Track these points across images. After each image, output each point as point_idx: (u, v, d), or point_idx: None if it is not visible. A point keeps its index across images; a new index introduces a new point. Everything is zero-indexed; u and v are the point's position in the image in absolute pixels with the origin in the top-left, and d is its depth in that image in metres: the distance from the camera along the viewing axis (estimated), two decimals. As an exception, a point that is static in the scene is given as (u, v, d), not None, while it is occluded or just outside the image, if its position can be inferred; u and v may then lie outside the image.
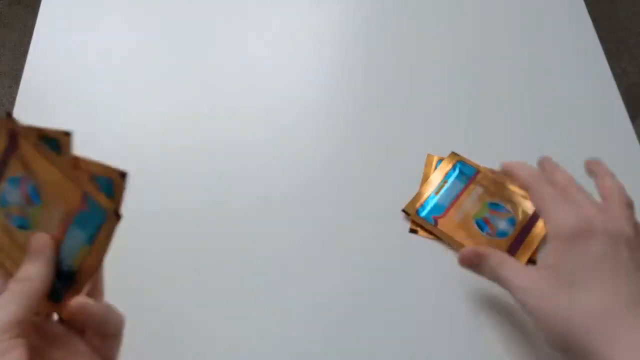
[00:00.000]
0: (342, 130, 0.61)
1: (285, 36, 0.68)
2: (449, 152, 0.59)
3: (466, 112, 0.63)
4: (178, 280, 0.51)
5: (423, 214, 0.55)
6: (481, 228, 0.54)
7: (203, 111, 0.61)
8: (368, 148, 0.60)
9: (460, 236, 0.54)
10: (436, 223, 0.54)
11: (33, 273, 0.34)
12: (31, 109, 0.60)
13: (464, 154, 0.60)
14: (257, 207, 0.55)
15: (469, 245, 0.51)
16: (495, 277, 0.46)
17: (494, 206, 0.55)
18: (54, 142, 0.37)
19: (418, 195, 0.56)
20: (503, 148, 0.61)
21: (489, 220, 0.54)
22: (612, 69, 0.67)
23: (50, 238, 0.35)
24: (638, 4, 1.93)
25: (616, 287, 0.40)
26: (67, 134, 0.36)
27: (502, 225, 0.54)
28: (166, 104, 0.61)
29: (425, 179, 0.58)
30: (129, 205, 0.55)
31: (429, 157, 0.59)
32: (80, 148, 0.58)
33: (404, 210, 0.55)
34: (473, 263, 0.47)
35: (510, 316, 0.50)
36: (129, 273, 0.51)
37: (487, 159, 0.59)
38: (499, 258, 0.46)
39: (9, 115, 0.37)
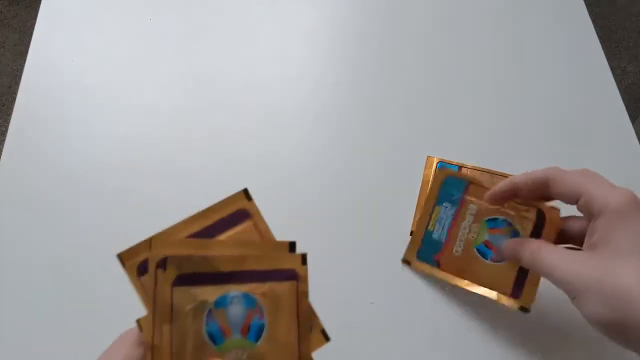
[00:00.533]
0: (342, 130, 0.61)
1: (285, 36, 0.68)
2: (449, 152, 0.59)
3: (465, 113, 0.63)
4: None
5: (422, 257, 0.52)
6: (484, 255, 0.49)
7: (202, 110, 0.61)
8: (367, 148, 0.60)
9: (464, 280, 0.50)
10: (438, 264, 0.51)
11: None
12: (31, 109, 0.60)
13: (463, 155, 0.59)
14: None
15: (474, 288, 0.49)
16: (536, 265, 0.42)
17: (492, 223, 0.50)
18: None
19: (414, 239, 0.53)
20: (503, 148, 0.61)
21: (490, 244, 0.50)
22: (612, 69, 0.67)
23: None
24: (637, 4, 1.93)
25: None
26: None
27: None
28: (166, 104, 0.61)
29: (424, 186, 0.56)
30: (128, 203, 0.55)
31: (429, 159, 0.58)
32: (81, 148, 0.59)
33: (404, 260, 0.53)
34: (515, 258, 0.45)
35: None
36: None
37: (487, 160, 0.59)
38: (535, 245, 0.43)
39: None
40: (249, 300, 0.34)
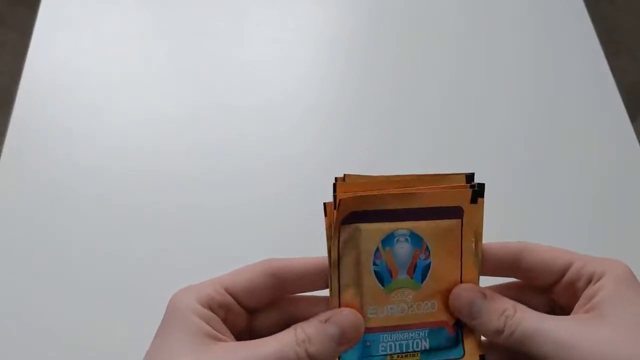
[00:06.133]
0: (343, 130, 0.61)
1: (285, 36, 0.68)
2: (459, 157, 0.59)
3: (465, 113, 0.63)
4: (178, 279, 0.51)
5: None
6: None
7: (202, 111, 0.61)
8: (369, 149, 0.60)
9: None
10: None
11: (317, 346, 0.29)
12: (31, 109, 0.60)
13: (463, 155, 0.59)
14: (256, 207, 0.55)
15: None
16: (524, 339, 0.30)
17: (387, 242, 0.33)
18: None
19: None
20: (502, 148, 0.61)
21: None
22: (612, 69, 0.67)
23: (362, 328, 0.31)
24: (638, 4, 1.93)
25: None
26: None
27: (404, 251, 0.33)
28: (166, 104, 0.61)
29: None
30: (129, 204, 0.55)
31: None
32: (80, 148, 0.59)
33: None
34: (470, 319, 0.32)
35: None
36: (128, 273, 0.51)
37: (487, 160, 0.59)
38: (513, 308, 0.31)
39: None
40: (415, 239, 0.32)
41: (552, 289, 0.33)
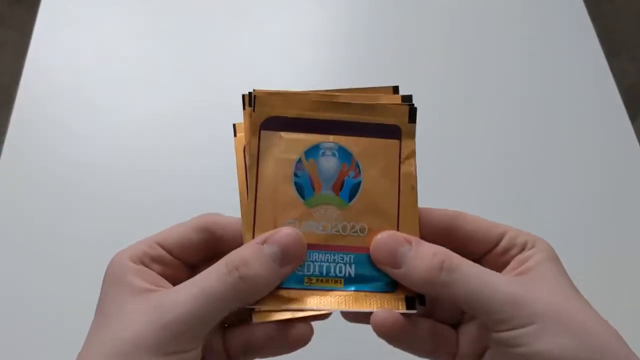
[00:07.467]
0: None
1: (285, 36, 0.68)
2: (458, 149, 0.59)
3: (465, 113, 0.63)
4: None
5: None
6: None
7: (202, 110, 0.61)
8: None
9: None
10: None
11: (256, 269, 0.28)
12: (31, 109, 0.60)
13: (463, 154, 0.59)
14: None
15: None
16: (454, 282, 0.28)
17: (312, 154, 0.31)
18: None
19: None
20: (502, 148, 0.61)
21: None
22: (612, 69, 0.67)
23: (305, 245, 0.29)
24: (638, 4, 1.92)
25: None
26: None
27: (330, 164, 0.30)
28: (166, 104, 0.61)
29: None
30: (129, 203, 0.55)
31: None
32: (80, 148, 0.59)
33: None
34: (394, 266, 0.30)
35: None
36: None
37: (487, 160, 0.59)
38: (442, 252, 0.29)
39: None
40: (343, 154, 0.30)
41: (483, 257, 0.32)
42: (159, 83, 0.63)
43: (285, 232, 0.29)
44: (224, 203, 0.56)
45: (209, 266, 0.29)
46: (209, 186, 0.56)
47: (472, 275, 0.28)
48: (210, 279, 0.28)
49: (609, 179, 0.60)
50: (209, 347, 0.30)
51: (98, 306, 0.30)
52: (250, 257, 0.28)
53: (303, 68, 0.65)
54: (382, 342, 0.29)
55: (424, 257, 0.28)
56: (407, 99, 0.31)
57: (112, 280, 0.29)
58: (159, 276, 0.30)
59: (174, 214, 0.56)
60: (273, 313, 0.29)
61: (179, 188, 0.56)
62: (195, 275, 0.29)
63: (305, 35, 0.68)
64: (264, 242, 0.28)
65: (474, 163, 0.59)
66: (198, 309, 0.27)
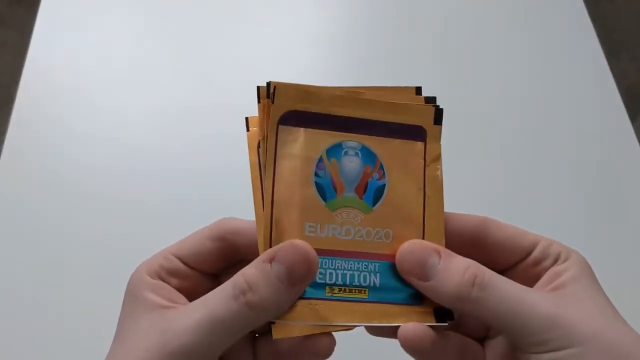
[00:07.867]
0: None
1: (285, 36, 0.68)
2: (453, 155, 0.59)
3: (465, 113, 0.63)
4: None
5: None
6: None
7: (202, 110, 0.61)
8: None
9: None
10: None
11: (262, 293, 0.25)
12: (31, 109, 0.60)
13: (463, 154, 0.59)
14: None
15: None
16: (488, 299, 0.26)
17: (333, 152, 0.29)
18: None
19: None
20: (501, 148, 0.61)
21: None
22: (612, 69, 0.67)
23: (316, 260, 0.26)
24: (638, 4, 1.92)
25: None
26: None
27: (353, 165, 0.29)
28: (166, 104, 0.61)
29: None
30: (129, 203, 0.55)
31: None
32: (80, 148, 0.59)
33: None
34: (423, 279, 0.28)
35: None
36: (129, 270, 0.51)
37: (486, 160, 0.59)
38: (474, 266, 0.27)
39: None
40: (367, 154, 0.28)
41: (513, 267, 0.30)
42: (159, 83, 0.63)
43: (292, 248, 0.26)
44: (226, 202, 0.56)
45: (231, 276, 0.27)
46: (209, 186, 0.56)
47: (506, 292, 0.26)
48: (216, 303, 0.26)
49: (609, 179, 0.60)
50: (237, 357, 0.29)
51: (118, 319, 0.29)
52: (256, 280, 0.26)
53: (303, 68, 0.65)
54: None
55: (455, 271, 0.27)
56: (431, 100, 0.30)
57: (129, 295, 0.29)
58: (174, 291, 0.29)
59: (175, 214, 0.56)
60: (294, 327, 0.26)
61: (179, 188, 0.56)
62: (217, 286, 0.27)
63: (305, 35, 0.68)
64: (271, 260, 0.26)
65: (474, 163, 0.59)
66: (203, 338, 0.25)
